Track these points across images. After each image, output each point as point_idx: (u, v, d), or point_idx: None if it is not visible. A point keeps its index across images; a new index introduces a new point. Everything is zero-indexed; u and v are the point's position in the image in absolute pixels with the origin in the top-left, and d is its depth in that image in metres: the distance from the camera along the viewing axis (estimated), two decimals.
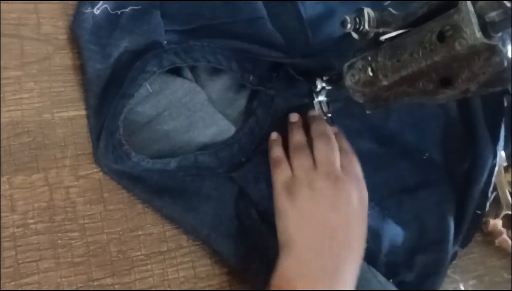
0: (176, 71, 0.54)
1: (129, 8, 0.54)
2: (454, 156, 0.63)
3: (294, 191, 0.48)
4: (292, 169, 0.50)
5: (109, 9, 0.54)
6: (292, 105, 0.56)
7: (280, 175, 0.50)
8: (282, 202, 0.48)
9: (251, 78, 0.55)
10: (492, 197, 0.62)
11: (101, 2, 0.54)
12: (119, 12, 0.54)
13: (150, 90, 0.53)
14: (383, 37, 0.45)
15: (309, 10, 0.61)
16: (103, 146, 0.50)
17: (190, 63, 0.53)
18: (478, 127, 0.61)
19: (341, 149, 0.51)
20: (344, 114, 0.58)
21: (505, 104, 0.60)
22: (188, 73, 0.55)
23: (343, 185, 0.48)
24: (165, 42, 0.53)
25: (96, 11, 0.53)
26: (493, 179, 0.61)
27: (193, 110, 0.54)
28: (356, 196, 0.48)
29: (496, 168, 0.62)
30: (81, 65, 0.53)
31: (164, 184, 0.52)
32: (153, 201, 0.51)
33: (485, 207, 0.61)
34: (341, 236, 0.46)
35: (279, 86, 0.56)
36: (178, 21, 0.56)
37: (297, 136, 0.53)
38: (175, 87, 0.54)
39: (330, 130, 0.52)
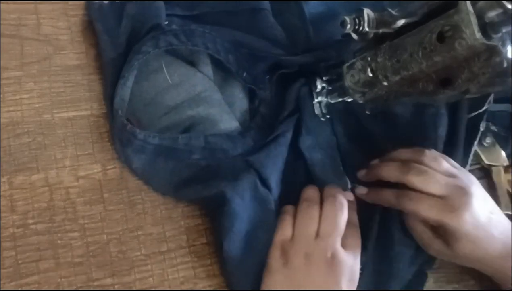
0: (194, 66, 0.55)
1: None
2: None
3: (289, 256, 0.48)
4: (294, 225, 0.50)
5: None
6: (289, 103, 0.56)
7: (281, 234, 0.50)
8: (275, 260, 0.49)
9: (244, 75, 0.55)
10: None
11: None
12: None
13: (170, 82, 0.53)
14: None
15: (312, 9, 0.62)
16: (117, 140, 0.50)
17: (188, 46, 0.53)
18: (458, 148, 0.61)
19: (348, 220, 0.51)
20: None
21: (481, 128, 0.61)
22: (209, 71, 0.55)
23: (337, 267, 0.48)
24: (166, 22, 0.53)
25: (105, 1, 0.55)
26: None
27: (211, 105, 0.54)
28: (345, 282, 0.48)
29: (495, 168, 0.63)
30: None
31: (178, 174, 0.51)
32: (170, 193, 0.51)
33: None
34: None
35: (271, 89, 0.56)
36: (180, 6, 0.56)
37: (311, 190, 0.53)
38: (195, 81, 0.54)
39: (343, 196, 0.52)
